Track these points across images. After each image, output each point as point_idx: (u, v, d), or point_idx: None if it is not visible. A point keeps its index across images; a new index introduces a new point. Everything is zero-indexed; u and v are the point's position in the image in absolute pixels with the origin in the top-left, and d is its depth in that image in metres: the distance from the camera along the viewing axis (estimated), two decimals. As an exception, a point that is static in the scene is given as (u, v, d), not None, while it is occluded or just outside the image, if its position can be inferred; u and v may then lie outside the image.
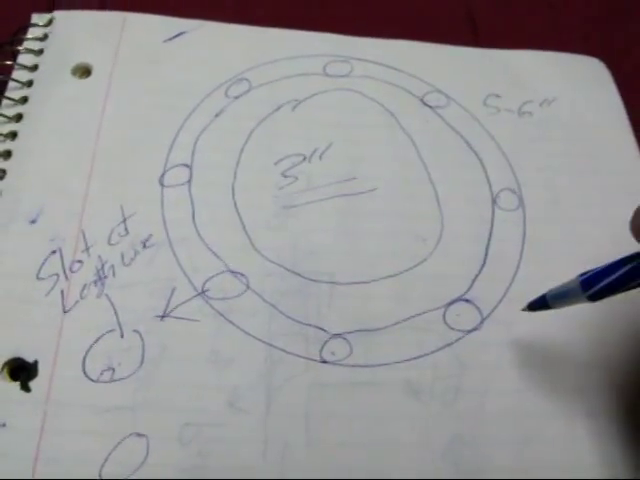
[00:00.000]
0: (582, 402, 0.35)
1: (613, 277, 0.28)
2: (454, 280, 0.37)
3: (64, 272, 0.35)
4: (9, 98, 0.40)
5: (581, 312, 0.36)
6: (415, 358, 0.35)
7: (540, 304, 0.33)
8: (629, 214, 0.29)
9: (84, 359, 0.33)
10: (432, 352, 0.35)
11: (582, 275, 0.29)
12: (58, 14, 0.44)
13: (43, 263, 0.35)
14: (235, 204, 0.38)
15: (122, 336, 0.34)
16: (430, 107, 0.44)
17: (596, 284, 0.29)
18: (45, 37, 0.43)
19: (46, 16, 0.44)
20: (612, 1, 0.55)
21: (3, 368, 0.32)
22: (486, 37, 0.50)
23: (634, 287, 0.28)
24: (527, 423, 0.34)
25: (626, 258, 0.28)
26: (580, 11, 0.54)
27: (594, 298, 0.29)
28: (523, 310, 0.34)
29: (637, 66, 0.49)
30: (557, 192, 0.41)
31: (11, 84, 0.41)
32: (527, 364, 0.35)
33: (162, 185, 0.38)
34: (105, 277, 0.35)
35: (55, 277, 0.35)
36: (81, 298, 0.34)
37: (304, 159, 0.41)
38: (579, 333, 0.36)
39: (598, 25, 0.53)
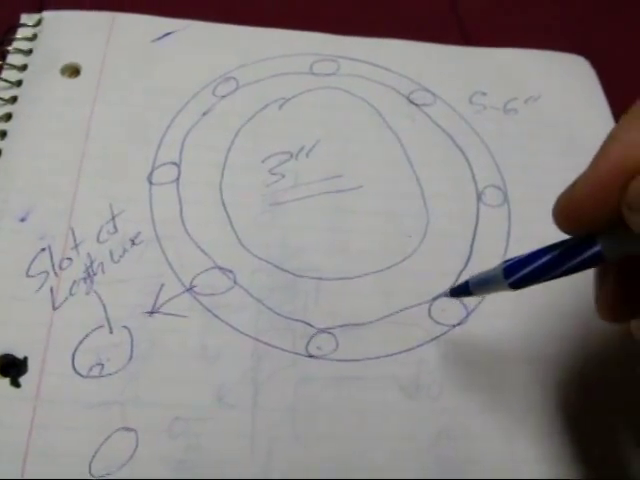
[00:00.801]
0: (566, 397, 0.35)
1: (534, 265, 0.27)
2: (439, 275, 0.38)
3: (53, 269, 0.35)
4: (-2, 98, 0.41)
5: (564, 307, 0.37)
6: (401, 352, 0.35)
7: (462, 290, 0.32)
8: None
9: (73, 355, 0.33)
10: (418, 346, 0.36)
11: (506, 262, 0.29)
12: (47, 14, 0.44)
13: (33, 260, 0.35)
14: (223, 201, 0.39)
15: (111, 332, 0.34)
16: (416, 105, 0.44)
17: (518, 271, 0.28)
18: (34, 37, 0.43)
19: (35, 16, 0.44)
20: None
21: (-7, 364, 0.32)
22: (472, 35, 0.50)
23: (556, 277, 0.27)
24: (512, 417, 0.34)
25: (548, 247, 0.27)
26: (565, 9, 0.54)
27: (515, 286, 0.28)
28: (445, 296, 0.34)
29: (621, 64, 0.50)
30: (541, 189, 0.41)
31: (0, 84, 0.41)
32: (512, 358, 0.36)
33: (150, 183, 0.39)
34: (94, 274, 0.35)
35: (45, 274, 0.35)
36: (70, 295, 0.35)
37: (291, 157, 0.41)
38: (563, 328, 0.37)
39: (582, 23, 0.53)
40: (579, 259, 0.26)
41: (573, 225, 0.26)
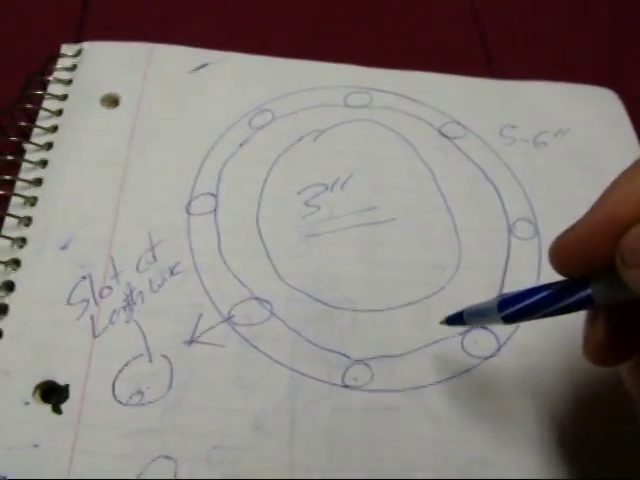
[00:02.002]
0: (601, 428, 0.35)
1: (528, 302, 0.28)
2: (472, 308, 0.38)
3: (94, 298, 0.36)
4: (40, 127, 0.41)
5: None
6: (434, 384, 0.36)
7: (457, 320, 0.33)
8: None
9: (114, 383, 0.34)
10: (451, 378, 0.36)
11: (501, 296, 0.29)
12: (87, 45, 0.45)
13: (74, 289, 0.36)
14: (259, 232, 0.39)
15: (150, 361, 0.34)
16: (448, 138, 0.45)
17: (512, 306, 0.28)
18: (74, 67, 0.44)
19: (75, 47, 0.45)
20: (623, 32, 0.56)
21: (35, 391, 0.33)
22: (501, 68, 0.51)
23: (548, 315, 0.27)
24: (545, 449, 0.34)
25: (543, 286, 0.28)
26: (593, 42, 0.55)
27: (509, 320, 0.29)
28: (441, 323, 0.34)
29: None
30: (572, 221, 0.41)
31: (42, 113, 0.42)
32: (543, 391, 0.36)
33: (189, 213, 0.39)
34: (134, 303, 0.36)
35: (85, 303, 0.36)
36: (110, 323, 0.35)
37: (326, 189, 0.42)
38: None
39: (611, 55, 0.54)
40: (569, 301, 0.27)
41: (566, 267, 0.27)
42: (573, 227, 0.26)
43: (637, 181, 0.25)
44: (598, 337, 0.28)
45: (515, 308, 0.28)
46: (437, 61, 0.49)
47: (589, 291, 0.26)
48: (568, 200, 0.43)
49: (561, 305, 0.27)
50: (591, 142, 0.46)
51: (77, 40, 0.46)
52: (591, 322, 0.29)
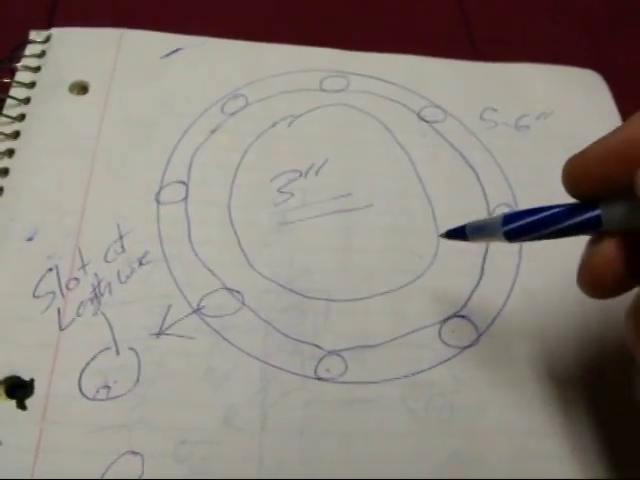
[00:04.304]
0: (580, 418, 0.35)
1: (534, 218, 0.27)
2: (450, 296, 0.37)
3: (60, 290, 0.35)
4: (6, 116, 0.40)
5: (578, 327, 0.36)
6: (411, 375, 0.35)
7: (459, 234, 0.32)
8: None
9: (80, 377, 0.33)
10: (428, 369, 0.35)
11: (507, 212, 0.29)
12: (56, 31, 0.44)
13: (40, 281, 0.35)
14: (231, 221, 0.38)
15: (118, 354, 0.34)
16: (427, 122, 0.44)
17: (516, 222, 0.28)
18: (43, 54, 0.43)
19: (44, 33, 0.44)
20: (608, 13, 0.55)
21: (-1, 386, 0.32)
22: (482, 50, 0.50)
23: (552, 236, 0.27)
24: (523, 440, 0.34)
25: (552, 205, 0.27)
26: (576, 23, 0.54)
27: (511, 236, 0.28)
28: (440, 236, 0.34)
29: (634, 78, 0.49)
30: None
31: (9, 101, 0.41)
32: (523, 380, 0.35)
33: (158, 202, 0.39)
34: (101, 295, 0.35)
35: (51, 295, 0.35)
36: (77, 316, 0.34)
37: (300, 175, 0.41)
38: (576, 347, 0.36)
39: (594, 37, 0.53)
40: (577, 220, 0.26)
41: (579, 186, 0.26)
42: (591, 146, 0.26)
43: None
44: (599, 259, 0.27)
45: (519, 223, 0.28)
46: (417, 44, 0.48)
47: (598, 211, 0.25)
48: (550, 185, 0.41)
49: (567, 224, 0.26)
50: (574, 125, 0.45)
51: (48, 27, 0.45)
52: (593, 245, 0.28)
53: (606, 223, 0.26)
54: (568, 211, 0.26)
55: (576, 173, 0.26)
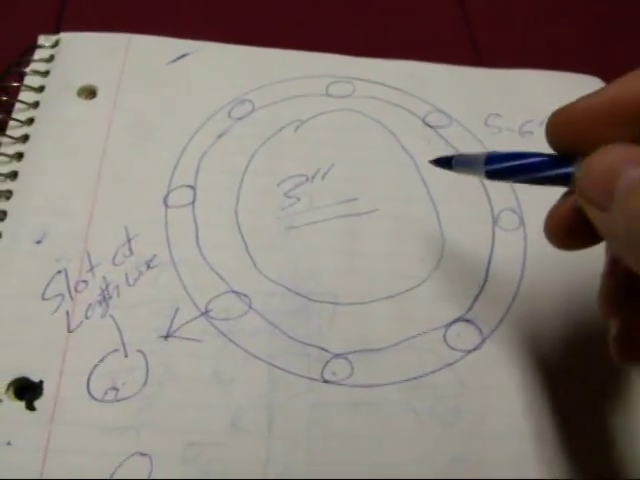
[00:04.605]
0: (584, 423, 0.35)
1: (515, 163, 0.28)
2: (455, 300, 0.38)
3: (69, 292, 0.35)
4: (16, 119, 0.41)
5: (583, 332, 0.36)
6: (415, 378, 0.35)
7: (445, 163, 0.32)
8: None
9: (88, 379, 0.33)
10: (432, 372, 0.35)
11: (491, 152, 0.29)
12: (64, 36, 0.45)
13: (48, 283, 0.35)
14: (238, 225, 0.39)
15: (126, 356, 0.34)
16: (432, 127, 0.44)
17: (498, 163, 0.28)
18: (51, 58, 0.44)
19: (52, 37, 0.45)
20: (610, 20, 0.55)
21: (8, 388, 0.32)
22: (487, 57, 0.50)
23: (531, 182, 0.28)
24: (527, 444, 0.34)
25: (534, 153, 0.27)
26: (579, 29, 0.54)
27: (491, 175, 0.29)
28: (430, 162, 0.34)
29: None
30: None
31: (18, 105, 0.41)
32: (527, 384, 0.36)
33: (166, 206, 0.39)
34: (110, 297, 0.35)
35: (60, 297, 0.35)
36: (86, 318, 0.35)
37: (306, 180, 0.41)
38: (579, 354, 0.37)
39: (597, 43, 0.53)
40: (551, 173, 0.27)
41: (560, 139, 0.27)
42: (578, 101, 0.26)
43: None
44: (563, 211, 0.28)
45: (500, 166, 0.28)
46: (422, 50, 0.49)
47: (572, 168, 0.26)
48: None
49: (542, 175, 0.27)
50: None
51: (56, 31, 0.46)
52: (566, 196, 0.29)
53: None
54: (545, 162, 0.27)
55: (559, 125, 0.27)
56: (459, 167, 0.31)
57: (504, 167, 0.28)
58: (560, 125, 0.27)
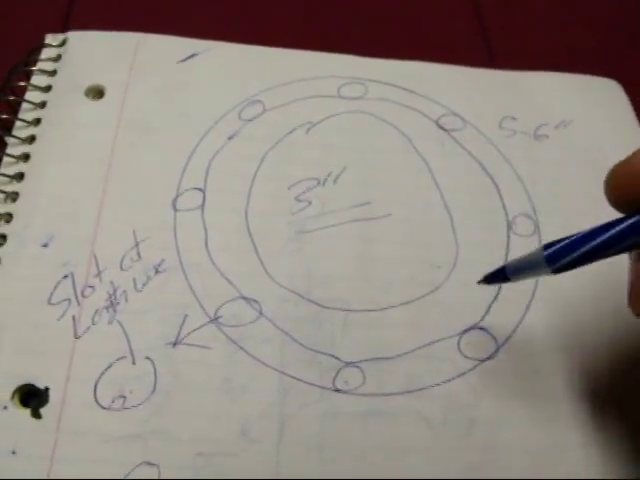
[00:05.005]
0: (602, 433, 0.34)
1: (581, 251, 0.25)
2: (469, 308, 0.37)
3: (76, 297, 0.35)
4: (22, 120, 0.40)
5: (597, 340, 0.36)
6: (429, 387, 0.34)
7: (498, 277, 0.31)
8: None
9: (95, 386, 0.32)
10: (446, 381, 0.35)
11: (547, 248, 0.27)
12: (72, 35, 0.44)
13: (55, 288, 0.35)
14: (248, 229, 0.38)
15: (134, 363, 0.33)
16: (445, 130, 0.44)
17: (562, 257, 0.26)
18: (59, 57, 0.43)
19: (60, 37, 0.44)
20: (628, 23, 0.55)
21: (14, 395, 0.32)
22: (501, 58, 0.50)
23: (602, 258, 0.25)
24: (542, 455, 0.33)
25: (597, 229, 0.25)
26: (596, 32, 0.53)
27: (559, 270, 0.26)
28: (479, 283, 0.32)
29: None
30: (573, 217, 0.40)
31: (24, 105, 0.41)
32: (543, 394, 0.35)
33: (175, 209, 0.38)
34: (117, 303, 0.35)
35: (67, 302, 0.34)
36: (93, 324, 0.34)
37: (318, 183, 0.40)
38: (595, 362, 0.36)
39: (614, 46, 0.53)
40: (629, 242, 0.24)
41: (626, 198, 0.24)
42: (636, 153, 0.24)
43: None
44: None
45: (567, 260, 0.26)
46: (436, 51, 0.48)
47: None
48: (569, 195, 0.42)
49: (625, 245, 0.25)
50: (593, 134, 0.45)
51: (64, 30, 0.45)
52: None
53: None
54: (613, 237, 0.25)
55: (622, 184, 0.25)
56: (516, 275, 0.30)
57: (572, 260, 0.26)
58: (623, 186, 0.24)
